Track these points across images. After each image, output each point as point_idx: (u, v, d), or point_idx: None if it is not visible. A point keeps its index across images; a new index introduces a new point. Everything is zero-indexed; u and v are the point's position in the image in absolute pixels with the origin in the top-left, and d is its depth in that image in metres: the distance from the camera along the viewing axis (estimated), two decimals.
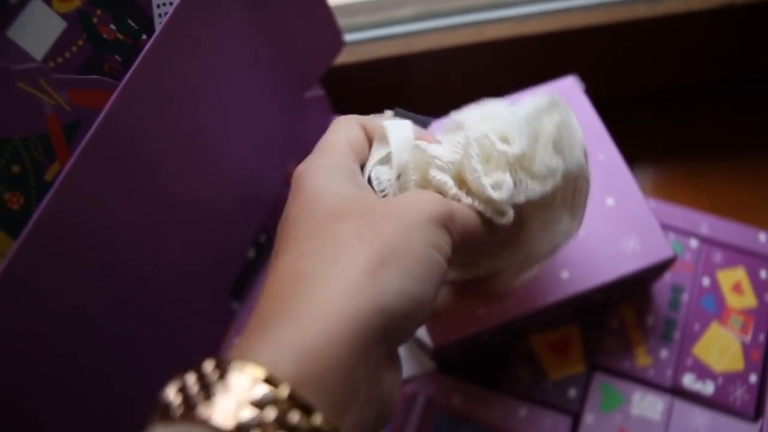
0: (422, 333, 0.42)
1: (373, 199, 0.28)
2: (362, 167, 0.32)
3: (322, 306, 0.24)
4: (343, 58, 0.53)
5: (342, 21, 0.49)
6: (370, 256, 0.25)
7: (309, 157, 0.30)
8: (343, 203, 0.27)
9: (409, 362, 0.45)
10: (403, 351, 0.44)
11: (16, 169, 0.30)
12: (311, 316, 0.24)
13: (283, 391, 0.21)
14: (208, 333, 0.48)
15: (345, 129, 0.31)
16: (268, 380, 0.21)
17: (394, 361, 0.28)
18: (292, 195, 0.29)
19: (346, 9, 0.59)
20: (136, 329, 0.40)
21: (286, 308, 0.24)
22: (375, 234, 0.26)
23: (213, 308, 0.48)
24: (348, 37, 0.51)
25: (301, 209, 0.28)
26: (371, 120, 0.33)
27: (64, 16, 0.31)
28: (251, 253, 0.50)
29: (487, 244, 0.32)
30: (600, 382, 0.47)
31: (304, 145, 0.54)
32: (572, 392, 0.46)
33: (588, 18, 0.57)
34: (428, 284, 0.26)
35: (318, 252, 0.26)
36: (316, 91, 0.52)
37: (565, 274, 0.43)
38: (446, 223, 0.28)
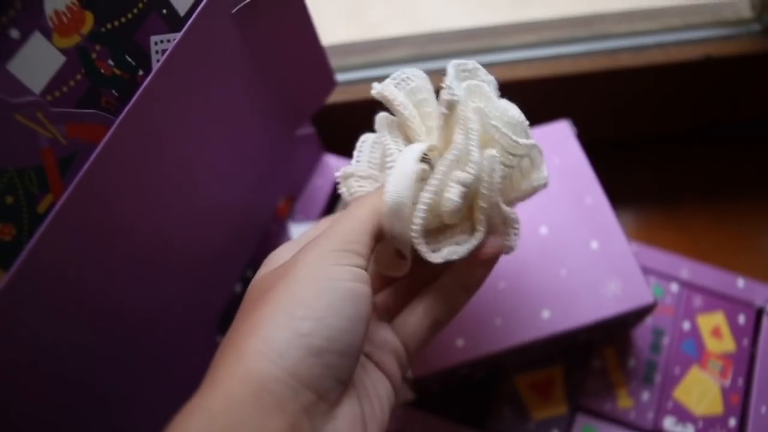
0: None
1: (277, 268, 0.30)
2: None
3: (223, 373, 0.25)
4: (334, 97, 0.54)
5: (335, 61, 0.51)
6: (259, 321, 0.26)
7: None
8: (259, 286, 0.30)
9: None
10: None
11: (9, 200, 0.30)
12: (217, 383, 0.25)
13: None
14: (193, 367, 0.48)
15: (315, 227, 0.34)
16: None
17: (337, 406, 0.27)
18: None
19: (341, 49, 0.60)
20: (122, 362, 0.40)
21: (204, 384, 0.26)
22: (266, 300, 0.27)
23: (199, 342, 0.48)
24: (340, 77, 0.52)
25: (253, 284, 0.31)
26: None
27: (64, 51, 0.32)
28: (238, 288, 0.50)
29: None
30: (582, 423, 0.47)
31: (293, 181, 0.55)
32: None
33: (575, 65, 0.59)
34: (327, 311, 0.26)
35: (228, 337, 0.28)
36: (307, 129, 0.53)
37: (546, 314, 0.43)
38: (343, 246, 0.28)
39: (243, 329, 0.27)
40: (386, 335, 0.33)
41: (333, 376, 0.26)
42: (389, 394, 0.31)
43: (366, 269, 0.29)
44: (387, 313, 0.35)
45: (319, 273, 0.27)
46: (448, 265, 0.32)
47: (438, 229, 0.32)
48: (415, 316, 0.33)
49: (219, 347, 0.28)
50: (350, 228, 0.29)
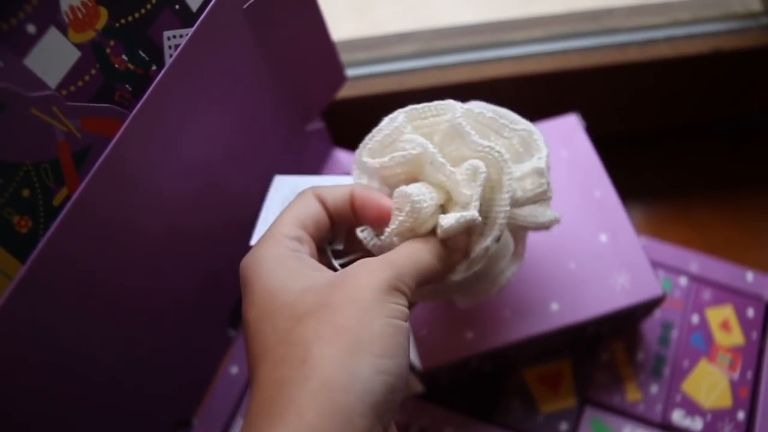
0: (412, 355, 0.43)
1: (324, 288, 0.29)
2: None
3: (304, 404, 0.25)
4: (343, 92, 0.54)
5: (343, 57, 0.51)
6: (336, 352, 0.26)
7: (256, 244, 0.31)
8: (296, 300, 0.28)
9: None
10: None
11: (26, 193, 0.31)
12: (296, 413, 0.25)
13: None
14: (204, 359, 0.48)
15: (296, 207, 0.32)
16: None
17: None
18: (244, 293, 0.30)
19: (349, 45, 0.60)
20: (134, 353, 0.40)
21: (272, 413, 0.25)
22: (335, 330, 0.27)
23: (211, 336, 0.48)
24: (349, 73, 0.52)
25: (259, 313, 0.29)
26: (329, 191, 0.33)
27: (79, 46, 0.32)
28: None
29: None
30: (590, 416, 0.47)
31: (303, 175, 0.55)
32: (563, 426, 0.47)
33: (583, 59, 0.59)
34: (398, 350, 0.27)
35: (288, 358, 0.27)
36: (316, 124, 0.54)
37: (554, 306, 0.44)
38: (396, 285, 0.29)
39: (314, 355, 0.26)
40: None
41: (394, 410, 0.28)
42: None
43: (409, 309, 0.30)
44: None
45: (385, 309, 0.28)
46: None
47: None
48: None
49: (269, 363, 0.27)
50: (410, 270, 0.30)
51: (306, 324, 0.27)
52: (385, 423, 0.27)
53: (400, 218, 0.31)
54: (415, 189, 0.31)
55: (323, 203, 0.33)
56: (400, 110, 0.34)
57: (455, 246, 0.33)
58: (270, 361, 0.27)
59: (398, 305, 0.28)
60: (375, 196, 0.33)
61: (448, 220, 0.31)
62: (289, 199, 0.33)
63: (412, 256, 0.31)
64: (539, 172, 0.34)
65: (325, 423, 0.25)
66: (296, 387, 0.26)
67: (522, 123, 0.36)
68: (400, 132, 0.33)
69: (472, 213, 0.31)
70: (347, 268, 0.30)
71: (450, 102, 0.34)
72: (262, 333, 0.28)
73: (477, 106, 0.35)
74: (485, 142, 0.32)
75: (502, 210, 0.32)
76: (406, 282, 0.30)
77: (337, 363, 0.26)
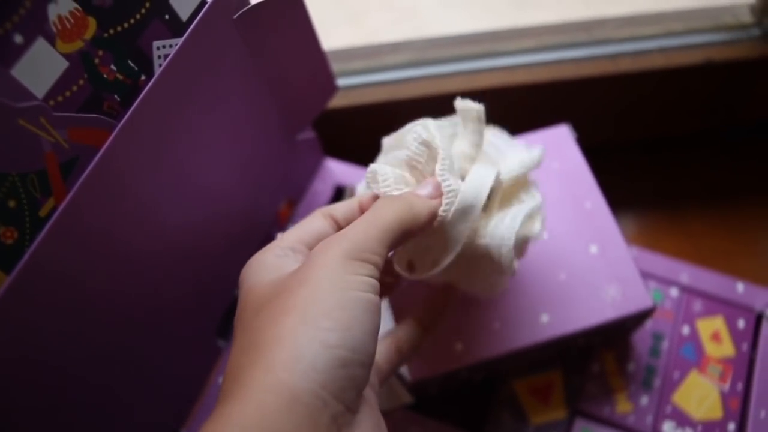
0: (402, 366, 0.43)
1: (287, 275, 0.29)
2: None
3: (252, 389, 0.25)
4: (335, 101, 0.54)
5: (336, 66, 0.51)
6: (283, 332, 0.26)
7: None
8: (261, 292, 0.29)
9: (386, 395, 0.45)
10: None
11: (12, 203, 0.31)
12: (245, 395, 0.25)
13: None
14: (193, 371, 0.48)
15: (301, 225, 0.34)
16: None
17: (357, 413, 0.28)
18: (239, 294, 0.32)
19: (341, 54, 0.60)
20: (122, 365, 0.40)
21: (225, 399, 0.26)
22: (284, 310, 0.27)
23: (199, 346, 0.48)
24: (341, 82, 0.52)
25: (240, 308, 0.30)
26: (336, 206, 0.35)
27: (67, 57, 0.32)
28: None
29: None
30: (581, 427, 0.47)
31: (294, 185, 0.55)
32: None
33: (576, 70, 0.59)
34: (351, 322, 0.27)
35: (244, 346, 0.27)
36: (308, 133, 0.53)
37: (544, 318, 0.44)
38: (355, 255, 0.28)
39: (265, 339, 0.26)
40: None
41: (356, 387, 0.27)
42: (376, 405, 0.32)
43: (378, 280, 0.29)
44: None
45: (339, 282, 0.27)
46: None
47: None
48: (386, 345, 0.35)
49: (233, 355, 0.28)
50: (371, 234, 0.29)
51: (265, 312, 0.28)
52: (347, 401, 0.26)
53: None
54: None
55: (333, 218, 0.34)
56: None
57: (436, 188, 0.34)
58: (233, 353, 0.28)
59: (358, 276, 0.28)
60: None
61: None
62: None
63: (371, 219, 0.30)
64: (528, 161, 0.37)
65: (273, 401, 0.24)
66: (245, 372, 0.26)
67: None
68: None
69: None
70: (309, 255, 0.30)
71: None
72: (238, 322, 0.30)
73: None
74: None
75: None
76: (371, 248, 0.29)
77: (284, 343, 0.26)
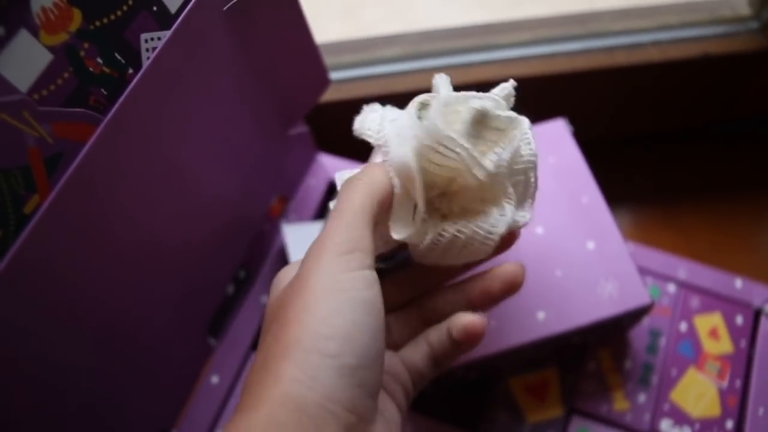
0: None
1: (287, 287, 0.29)
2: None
3: (262, 398, 0.25)
4: (328, 95, 0.54)
5: (329, 59, 0.50)
6: (285, 346, 0.26)
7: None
8: (272, 307, 0.30)
9: None
10: None
11: None
12: (254, 408, 0.25)
13: None
14: (184, 369, 0.47)
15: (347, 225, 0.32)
16: None
17: (371, 424, 0.27)
18: None
19: (334, 47, 0.60)
20: (111, 364, 0.39)
21: (239, 410, 0.26)
22: (286, 323, 0.27)
23: (190, 344, 0.47)
24: (334, 75, 0.52)
25: (263, 322, 0.31)
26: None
27: (51, 49, 0.31)
28: (230, 290, 0.49)
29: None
30: (577, 426, 0.47)
31: (287, 180, 0.54)
32: None
33: (571, 64, 0.58)
34: (349, 328, 0.26)
35: (262, 359, 0.27)
36: (300, 128, 0.53)
37: (541, 315, 0.43)
38: (342, 248, 0.28)
39: (275, 351, 0.26)
40: (396, 366, 0.34)
41: (366, 393, 0.26)
42: (399, 424, 0.31)
43: (373, 266, 0.28)
44: (393, 343, 0.35)
45: (332, 285, 0.27)
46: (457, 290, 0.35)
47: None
48: (421, 354, 0.34)
49: (253, 366, 0.28)
50: (350, 220, 0.29)
51: (273, 326, 0.28)
52: (359, 410, 0.26)
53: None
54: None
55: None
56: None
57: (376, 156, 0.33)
58: (252, 368, 0.28)
59: (351, 272, 0.27)
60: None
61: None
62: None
63: (341, 208, 0.29)
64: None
65: (280, 415, 0.24)
66: (259, 384, 0.26)
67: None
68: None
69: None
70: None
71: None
72: (264, 322, 0.30)
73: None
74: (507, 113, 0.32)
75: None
76: (353, 235, 0.28)
77: (289, 355, 0.25)
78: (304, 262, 0.29)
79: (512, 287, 0.35)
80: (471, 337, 0.33)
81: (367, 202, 0.29)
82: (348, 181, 0.31)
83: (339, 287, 0.27)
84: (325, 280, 0.27)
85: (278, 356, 0.26)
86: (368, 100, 0.57)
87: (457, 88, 0.36)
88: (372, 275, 0.28)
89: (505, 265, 0.35)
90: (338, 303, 0.26)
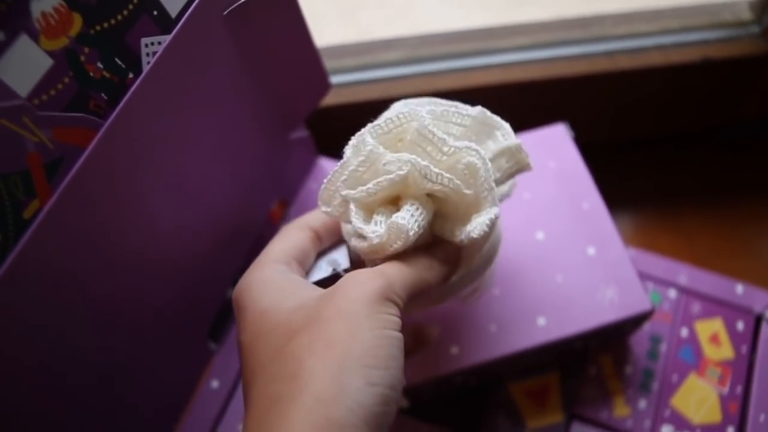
0: None
1: (315, 303, 0.29)
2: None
3: (296, 418, 0.25)
4: (328, 99, 0.53)
5: (329, 63, 0.50)
6: (327, 365, 0.26)
7: (246, 271, 0.33)
8: (288, 318, 0.29)
9: None
10: None
11: None
12: (287, 429, 0.25)
13: None
14: (184, 373, 0.47)
15: (282, 238, 0.34)
16: None
17: None
18: (237, 317, 0.31)
19: (334, 51, 0.60)
20: (111, 368, 0.39)
21: (264, 429, 0.26)
22: (325, 343, 0.27)
23: (190, 349, 0.47)
24: (334, 79, 0.52)
25: (252, 334, 0.30)
26: (312, 215, 0.35)
27: (51, 54, 0.31)
28: (230, 294, 0.49)
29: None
30: (578, 431, 0.46)
31: (287, 185, 0.54)
32: None
33: (572, 68, 0.58)
34: (390, 361, 0.27)
35: (280, 374, 0.27)
36: (301, 132, 0.53)
37: (541, 321, 0.43)
38: (387, 295, 0.29)
39: (305, 370, 0.26)
40: None
41: (389, 423, 0.27)
42: None
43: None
44: None
45: (376, 320, 0.28)
46: None
47: None
48: None
49: (264, 379, 0.28)
50: (405, 281, 0.30)
51: (297, 340, 0.28)
52: None
53: (395, 246, 0.31)
54: (405, 216, 0.30)
55: (310, 229, 0.35)
56: (363, 133, 0.32)
57: (448, 257, 0.33)
58: (263, 378, 0.28)
59: (390, 315, 0.28)
60: None
61: (478, 228, 0.30)
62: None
63: (405, 268, 0.31)
64: (515, 148, 0.34)
65: None
66: (288, 402, 0.26)
67: (468, 107, 0.35)
68: (377, 155, 0.32)
69: (495, 210, 0.31)
70: (339, 281, 0.30)
71: (411, 108, 0.32)
72: (255, 353, 0.29)
73: (427, 102, 0.35)
74: (460, 143, 0.31)
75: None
76: (398, 292, 0.29)
77: (328, 376, 0.26)
78: (348, 284, 0.29)
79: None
80: None
81: (421, 282, 0.31)
82: (426, 254, 0.32)
83: (380, 323, 0.28)
84: (369, 313, 0.28)
85: (314, 375, 0.26)
86: (368, 104, 0.57)
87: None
88: (401, 325, 0.29)
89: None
90: (380, 336, 0.28)
